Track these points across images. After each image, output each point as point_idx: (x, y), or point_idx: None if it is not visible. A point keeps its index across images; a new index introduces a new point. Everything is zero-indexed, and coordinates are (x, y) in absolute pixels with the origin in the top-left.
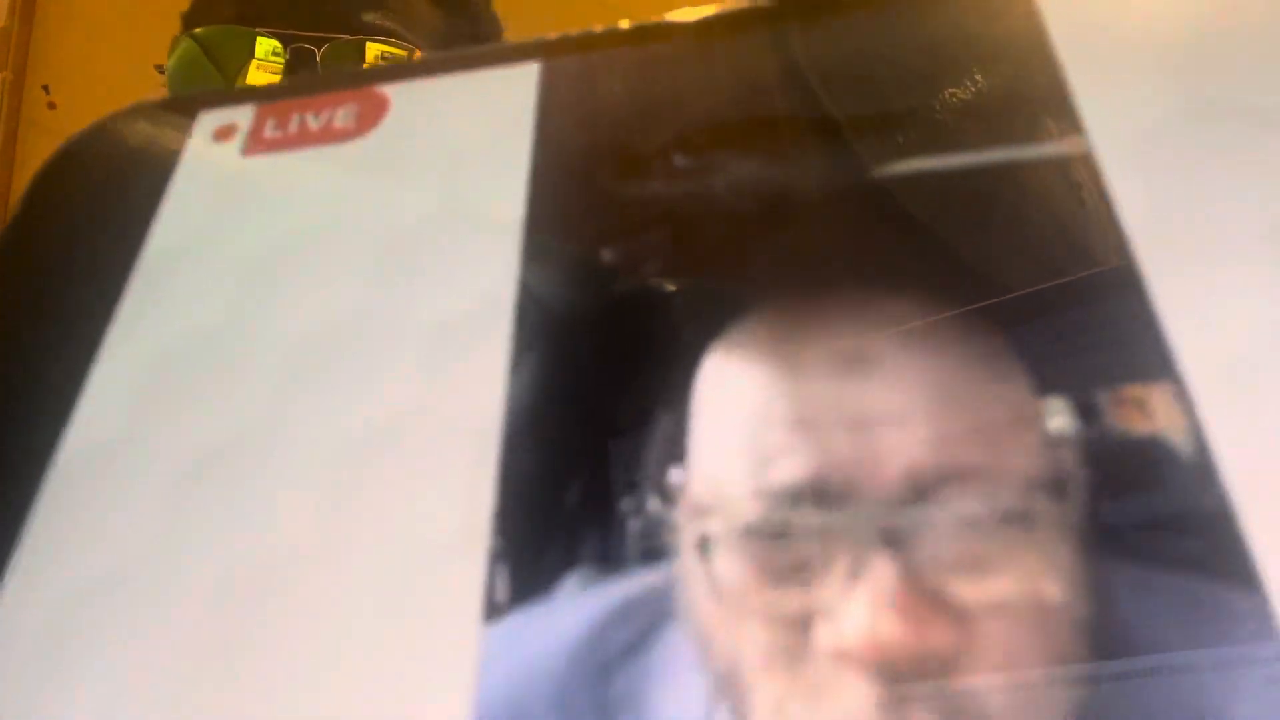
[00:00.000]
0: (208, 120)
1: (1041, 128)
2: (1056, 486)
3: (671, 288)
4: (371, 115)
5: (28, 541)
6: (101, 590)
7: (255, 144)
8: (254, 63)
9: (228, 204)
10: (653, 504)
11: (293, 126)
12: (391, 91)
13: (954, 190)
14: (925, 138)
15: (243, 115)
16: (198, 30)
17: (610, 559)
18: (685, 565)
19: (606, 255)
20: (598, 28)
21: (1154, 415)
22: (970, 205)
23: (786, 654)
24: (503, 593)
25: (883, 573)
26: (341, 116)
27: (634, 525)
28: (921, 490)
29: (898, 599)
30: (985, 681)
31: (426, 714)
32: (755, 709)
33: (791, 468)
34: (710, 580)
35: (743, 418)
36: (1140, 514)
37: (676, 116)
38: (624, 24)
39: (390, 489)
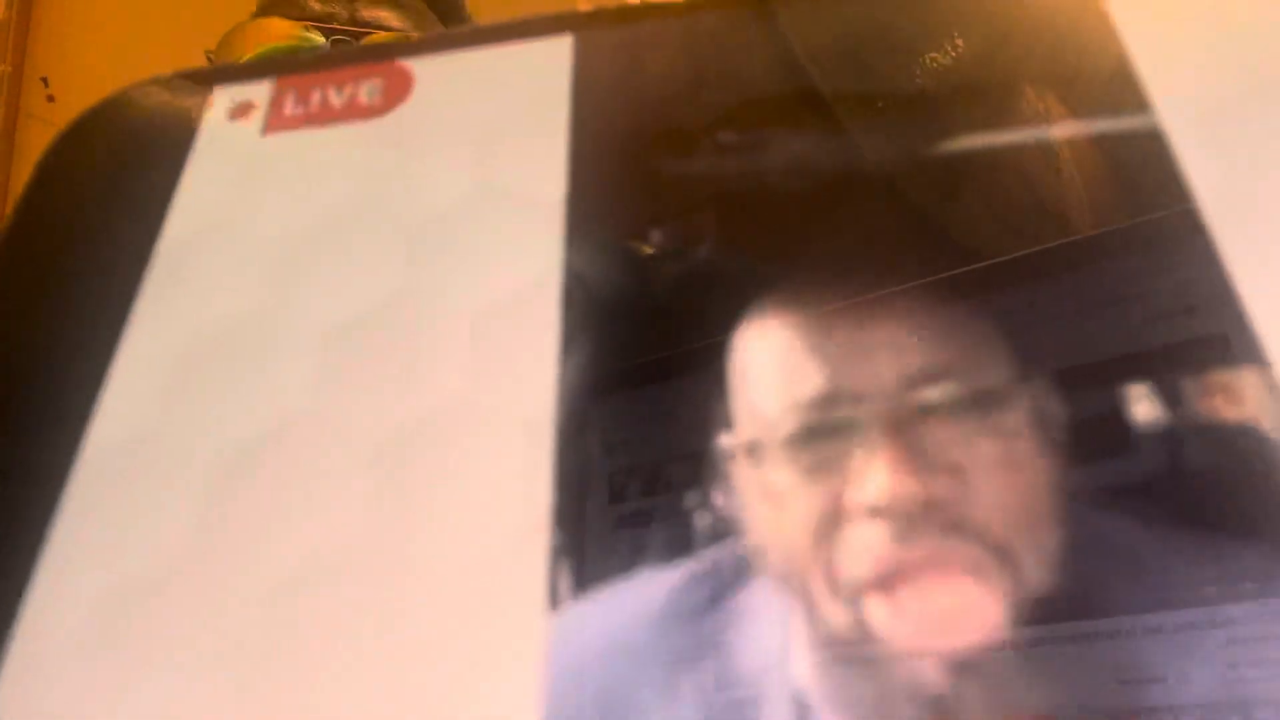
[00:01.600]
0: (224, 96)
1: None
2: (1027, 390)
3: (722, 269)
4: (397, 90)
5: (56, 542)
6: (140, 591)
7: (276, 120)
8: None
9: (250, 186)
10: (720, 499)
11: (314, 102)
12: (416, 65)
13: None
14: (978, 114)
15: (260, 91)
16: (243, 60)
17: (676, 547)
18: (742, 483)
19: (654, 236)
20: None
21: (1237, 398)
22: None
23: (829, 524)
24: (566, 586)
25: (888, 447)
26: (366, 92)
27: (702, 520)
28: (912, 384)
29: (904, 462)
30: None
31: (495, 702)
32: (813, 579)
33: (811, 384)
34: (762, 484)
35: (772, 360)
36: (1113, 475)
37: (720, 91)
38: None
39: (442, 482)
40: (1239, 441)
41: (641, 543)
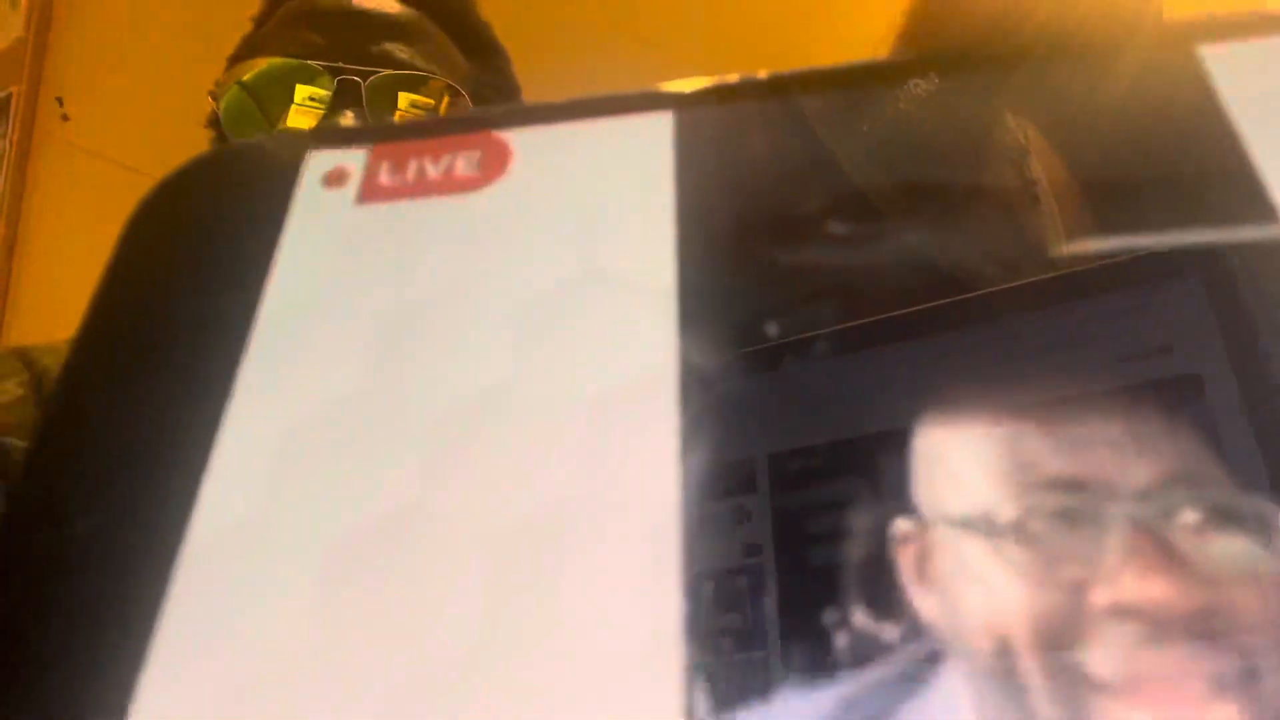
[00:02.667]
0: (317, 162)
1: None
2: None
3: (844, 362)
4: (495, 163)
5: (165, 634)
6: (255, 688)
7: (371, 191)
8: (293, 107)
9: (347, 258)
10: (857, 614)
11: (410, 173)
12: (513, 137)
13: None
14: (936, 169)
15: (354, 158)
16: (245, 78)
17: (819, 669)
18: (928, 569)
19: (772, 329)
20: (733, 77)
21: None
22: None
23: (1069, 617)
24: (704, 706)
25: (1146, 545)
26: (463, 164)
27: (841, 638)
28: (1160, 488)
29: (1159, 564)
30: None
31: None
32: (1036, 673)
33: (1056, 465)
34: (961, 567)
35: (986, 450)
36: None
37: (829, 176)
38: (762, 73)
39: (559, 587)
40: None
41: (785, 654)
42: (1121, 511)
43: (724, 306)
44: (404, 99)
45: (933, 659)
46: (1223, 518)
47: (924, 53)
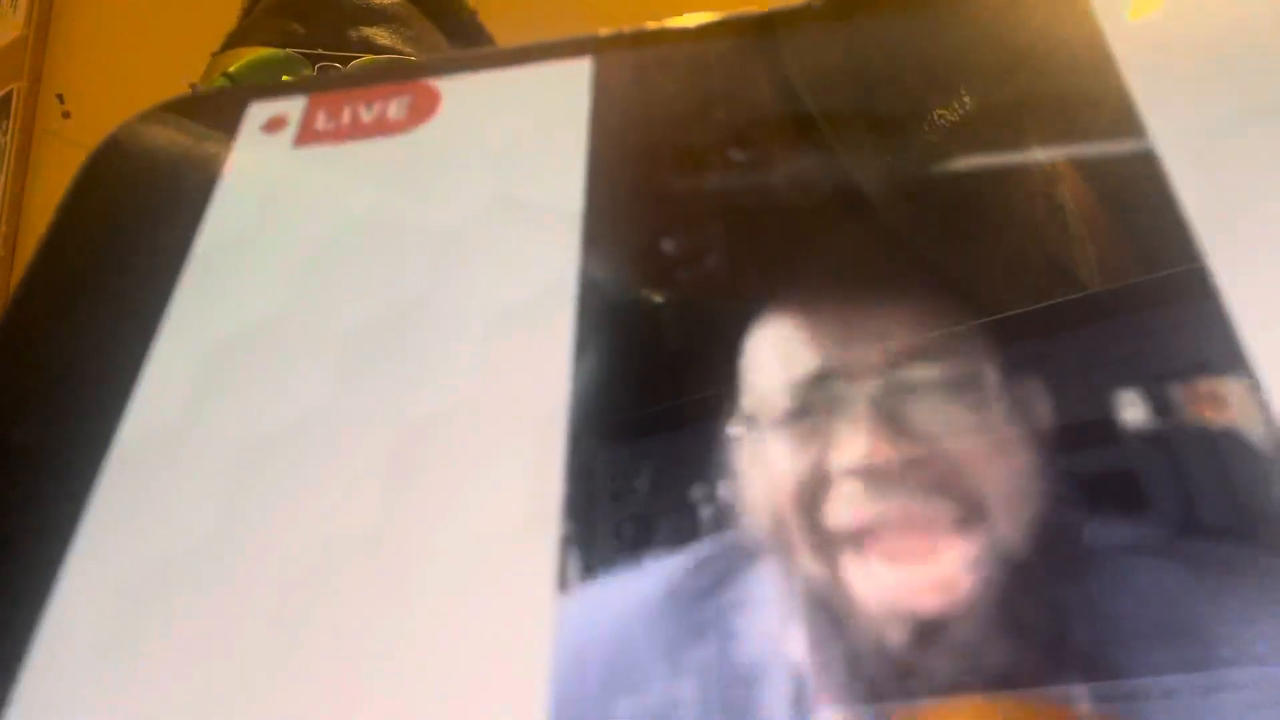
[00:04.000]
0: (258, 111)
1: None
2: (1011, 376)
3: (730, 278)
4: (424, 108)
5: (87, 528)
6: (162, 578)
7: (307, 135)
8: None
9: (280, 195)
10: (722, 489)
11: (345, 118)
12: (443, 85)
13: (983, 195)
14: (976, 140)
15: (293, 107)
16: (230, 69)
17: (681, 536)
18: (742, 462)
19: (667, 246)
20: (650, 25)
21: (1228, 410)
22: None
23: (813, 485)
24: (575, 572)
25: (872, 417)
26: (394, 109)
27: (706, 511)
28: (896, 362)
29: (883, 430)
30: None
31: (505, 682)
32: (796, 537)
33: (805, 364)
34: (757, 456)
35: (772, 346)
36: (1121, 534)
37: (731, 112)
38: (677, 20)
39: (455, 475)
40: (1251, 501)
41: (648, 532)
42: (853, 393)
43: (626, 228)
44: None
45: (746, 548)
46: (945, 388)
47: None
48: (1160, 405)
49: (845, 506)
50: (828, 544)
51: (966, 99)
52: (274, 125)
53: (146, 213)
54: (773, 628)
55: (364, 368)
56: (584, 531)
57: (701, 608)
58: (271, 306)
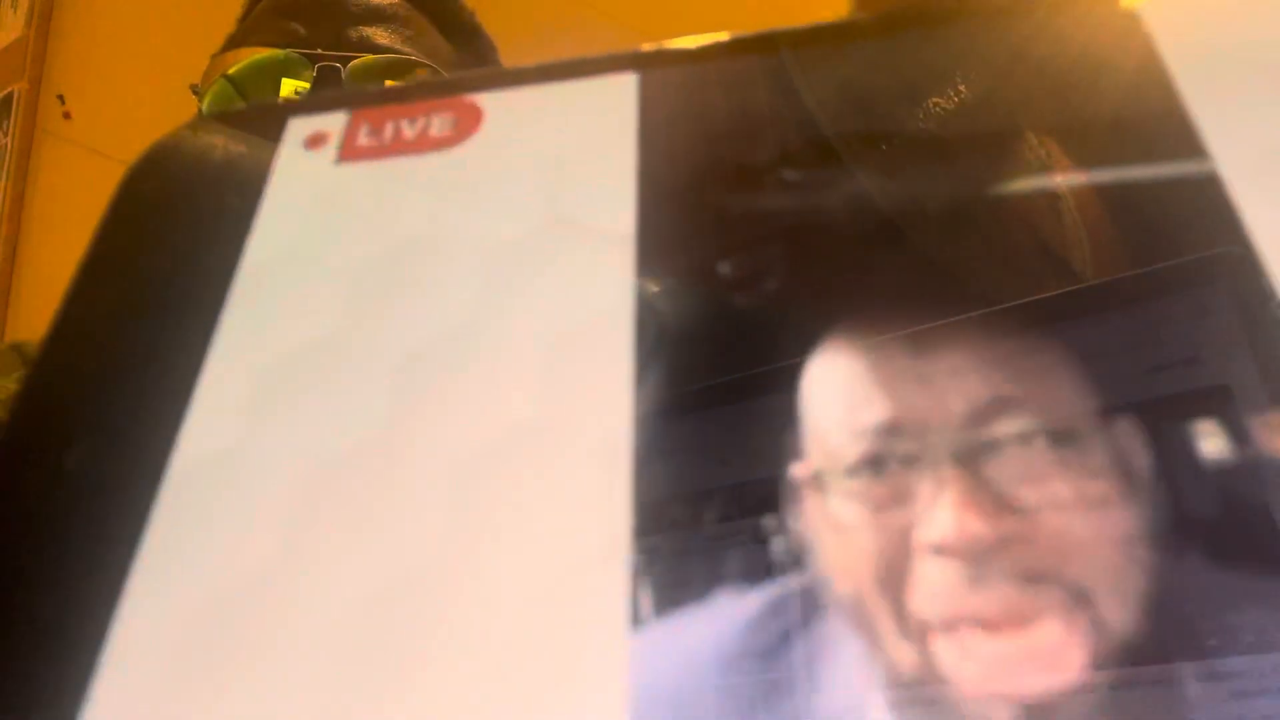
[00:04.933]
0: (298, 126)
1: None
2: (1104, 416)
3: (788, 300)
4: (467, 124)
5: (146, 553)
6: (225, 605)
7: (349, 151)
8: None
9: (325, 213)
10: (793, 526)
11: (387, 134)
12: (485, 100)
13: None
14: (962, 186)
15: (334, 122)
16: (231, 71)
17: (754, 574)
18: (808, 513)
19: (723, 268)
20: (695, 38)
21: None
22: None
23: (895, 562)
24: (647, 607)
25: (957, 482)
26: (437, 125)
27: (778, 543)
28: (980, 418)
29: (972, 500)
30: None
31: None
32: (879, 617)
33: (875, 412)
34: (827, 515)
35: (836, 388)
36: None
37: (782, 130)
38: (722, 35)
39: (518, 503)
40: (1238, 492)
41: (720, 565)
42: (935, 447)
43: (680, 250)
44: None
45: (818, 595)
46: (1042, 438)
47: (875, 12)
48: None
49: (936, 592)
50: (918, 628)
51: (963, 89)
52: (316, 141)
53: (189, 229)
54: (855, 690)
55: (420, 393)
56: (653, 563)
57: (779, 657)
58: (323, 327)
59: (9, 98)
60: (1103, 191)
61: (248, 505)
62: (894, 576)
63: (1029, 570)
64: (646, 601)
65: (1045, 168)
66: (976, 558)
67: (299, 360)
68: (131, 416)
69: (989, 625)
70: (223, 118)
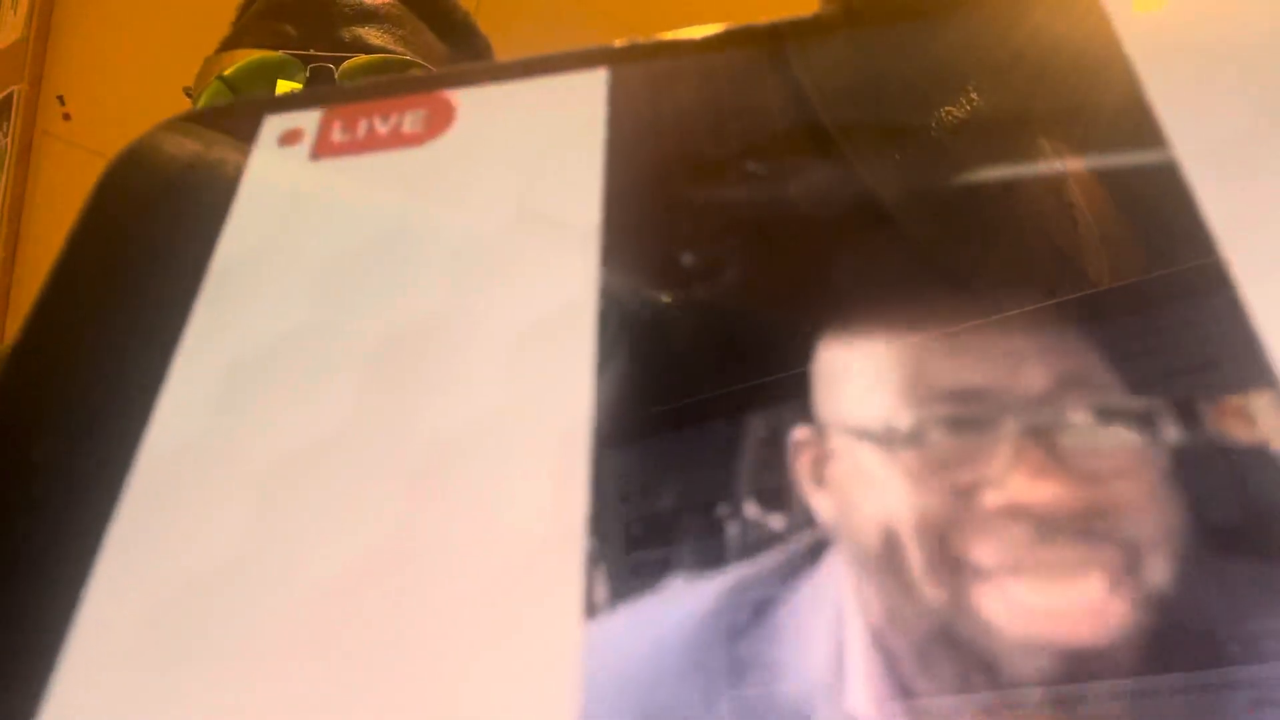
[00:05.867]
0: (273, 124)
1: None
2: (1178, 409)
3: (751, 291)
4: (440, 120)
5: (112, 545)
6: (188, 597)
7: (323, 148)
8: None
9: (297, 208)
10: (749, 506)
11: (360, 131)
12: (458, 97)
13: (1006, 201)
14: (988, 145)
15: (309, 119)
16: (226, 73)
17: (709, 560)
18: (850, 465)
19: (686, 259)
20: (666, 35)
21: (1253, 422)
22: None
23: (958, 513)
24: (602, 593)
25: (1034, 449)
26: (409, 121)
27: (732, 528)
28: (1057, 393)
29: (1048, 466)
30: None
31: (531, 708)
32: (917, 560)
33: (953, 375)
34: (859, 471)
35: (887, 364)
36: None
37: (748, 124)
38: (692, 31)
39: (478, 493)
40: (1259, 498)
41: (675, 551)
42: (1013, 417)
43: (644, 242)
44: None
45: (819, 548)
46: (1109, 417)
47: (847, 8)
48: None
49: (997, 546)
50: (960, 574)
51: (975, 100)
52: (290, 138)
53: (163, 227)
54: (830, 661)
55: (386, 385)
56: (609, 551)
57: (742, 642)
58: (291, 322)
59: (9, 98)
60: (1116, 192)
61: (213, 498)
62: (951, 533)
63: (1089, 528)
64: (602, 587)
65: (1060, 176)
66: (1044, 519)
67: (267, 354)
68: (100, 411)
69: (1045, 575)
70: (199, 117)
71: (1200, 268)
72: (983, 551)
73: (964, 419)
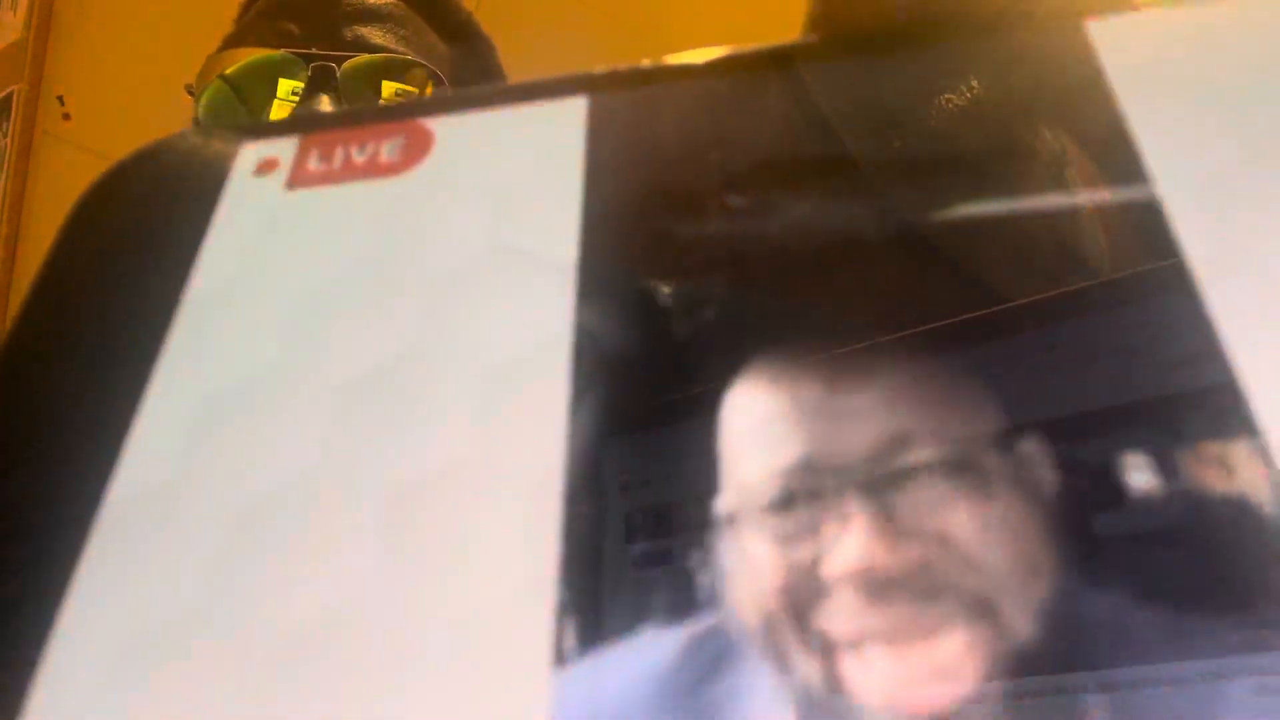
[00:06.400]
0: (250, 153)
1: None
2: (1006, 446)
3: (729, 326)
4: (417, 149)
5: (78, 588)
6: (152, 642)
7: (299, 177)
8: (276, 102)
9: (272, 240)
10: (713, 565)
11: (337, 160)
12: (436, 125)
13: (1000, 233)
14: (978, 183)
15: (285, 148)
16: (228, 71)
17: (678, 608)
18: (727, 548)
19: (663, 296)
20: (646, 62)
21: (1232, 468)
22: (1010, 246)
23: (803, 592)
24: (572, 643)
25: (860, 515)
26: (386, 150)
27: (703, 578)
28: (884, 453)
29: (876, 529)
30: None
31: None
32: (790, 644)
33: (787, 452)
34: (741, 549)
35: (750, 424)
36: (1130, 526)
37: (728, 154)
38: (671, 58)
39: (449, 538)
40: (1235, 495)
41: (651, 592)
42: (840, 484)
43: (620, 278)
44: (388, 87)
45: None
46: (942, 468)
47: (829, 36)
48: (1168, 469)
49: (842, 615)
50: (823, 649)
51: (975, 85)
52: (266, 167)
53: (137, 259)
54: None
55: (357, 425)
56: (579, 600)
57: (697, 696)
58: (263, 360)
59: (8, 98)
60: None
61: (179, 543)
62: (803, 604)
63: (930, 588)
64: (571, 636)
65: (1061, 165)
66: (880, 582)
67: (237, 393)
68: (69, 450)
69: (892, 641)
70: (174, 144)
71: (1171, 266)
72: (833, 625)
73: (799, 491)
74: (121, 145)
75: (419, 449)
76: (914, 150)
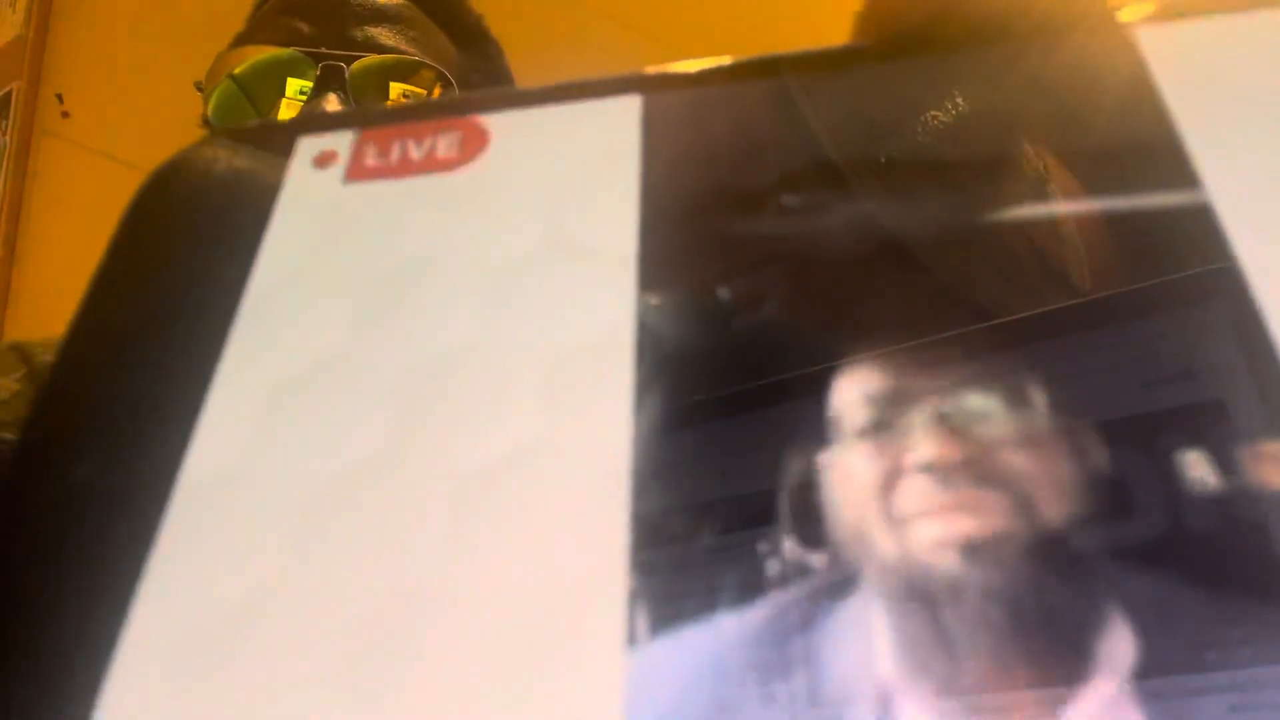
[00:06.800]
0: (307, 146)
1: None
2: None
3: (789, 325)
4: (473, 145)
5: (154, 570)
6: (229, 621)
7: (357, 171)
8: (284, 101)
9: (333, 232)
10: (789, 545)
11: (394, 155)
12: (492, 121)
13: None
14: (1030, 187)
15: (342, 141)
16: (236, 71)
17: (751, 588)
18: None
19: (723, 292)
20: (698, 62)
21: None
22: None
23: (890, 478)
24: (643, 630)
25: (938, 427)
26: (444, 146)
27: (772, 567)
28: (957, 388)
29: (947, 436)
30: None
31: None
32: (874, 521)
33: (885, 384)
34: (843, 468)
35: (858, 383)
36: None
37: (783, 155)
38: (725, 59)
39: (519, 523)
40: (1236, 507)
41: (717, 580)
42: (924, 410)
43: (680, 271)
44: (395, 88)
45: (844, 582)
46: (989, 405)
47: (876, 40)
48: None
49: (916, 494)
50: (898, 521)
51: (960, 101)
52: (324, 160)
53: (199, 248)
54: (860, 645)
55: (423, 411)
56: (651, 582)
57: (785, 648)
58: (329, 347)
59: (7, 96)
60: (1099, 207)
61: (253, 524)
62: (889, 488)
63: (984, 478)
64: (644, 619)
65: (1043, 182)
66: (946, 471)
67: (304, 379)
68: (140, 433)
69: (951, 513)
70: (233, 134)
71: (1171, 281)
72: (909, 503)
73: (891, 416)
74: (120, 143)
75: (485, 435)
76: (902, 170)
